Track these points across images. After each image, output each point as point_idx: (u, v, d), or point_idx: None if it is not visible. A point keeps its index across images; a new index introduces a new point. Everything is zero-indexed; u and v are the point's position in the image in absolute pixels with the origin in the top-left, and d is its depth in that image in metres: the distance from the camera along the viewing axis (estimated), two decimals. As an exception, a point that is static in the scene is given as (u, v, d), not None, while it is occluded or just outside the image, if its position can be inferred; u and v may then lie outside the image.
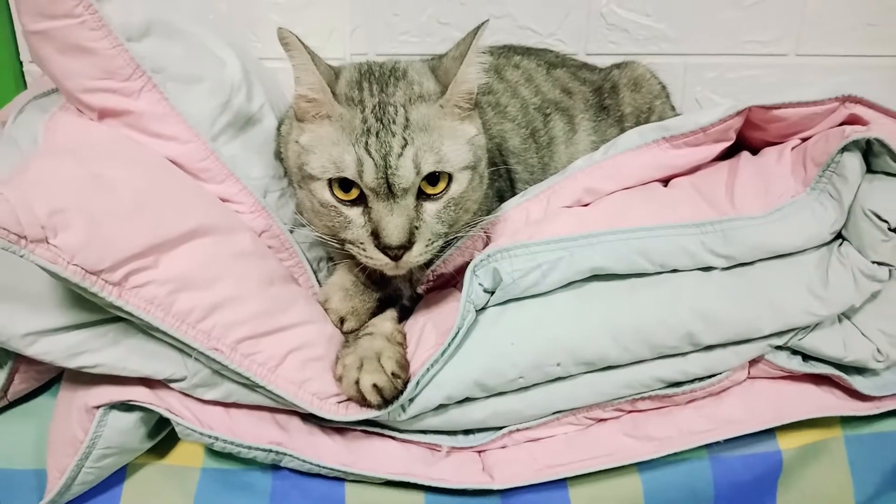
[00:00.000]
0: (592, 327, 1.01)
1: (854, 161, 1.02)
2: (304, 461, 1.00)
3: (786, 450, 1.07)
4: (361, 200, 0.99)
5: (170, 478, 1.02)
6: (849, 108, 1.07)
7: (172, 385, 0.99)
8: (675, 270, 1.04)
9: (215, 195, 1.09)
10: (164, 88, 1.04)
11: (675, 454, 1.04)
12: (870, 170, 1.05)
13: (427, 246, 1.00)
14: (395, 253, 0.97)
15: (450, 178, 1.01)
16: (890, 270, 1.04)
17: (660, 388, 1.06)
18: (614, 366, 1.03)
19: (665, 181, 1.19)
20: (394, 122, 0.97)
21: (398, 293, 1.15)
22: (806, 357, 1.09)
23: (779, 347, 1.07)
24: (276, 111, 1.30)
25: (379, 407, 0.97)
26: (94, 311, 0.93)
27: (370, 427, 1.04)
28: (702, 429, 1.05)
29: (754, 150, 1.19)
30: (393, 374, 0.97)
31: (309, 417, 1.02)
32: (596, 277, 1.04)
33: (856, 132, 1.02)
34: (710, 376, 1.06)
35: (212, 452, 1.02)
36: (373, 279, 1.12)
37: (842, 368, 1.08)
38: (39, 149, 1.02)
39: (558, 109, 1.39)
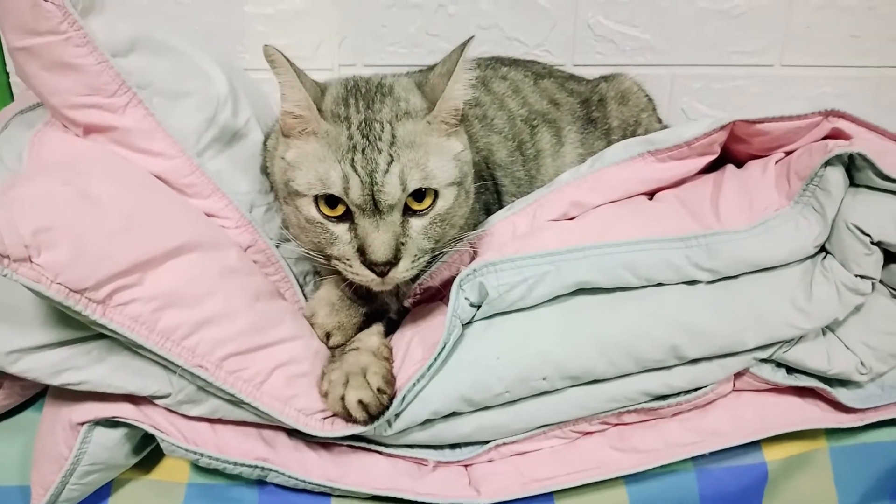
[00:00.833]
0: (578, 341, 1.02)
1: (837, 175, 1.03)
2: (290, 476, 0.99)
3: (771, 461, 1.07)
4: (347, 217, 0.99)
5: (156, 493, 1.01)
6: (832, 123, 1.08)
7: (157, 401, 0.98)
8: (660, 284, 1.04)
9: (201, 210, 1.08)
10: (150, 104, 1.04)
11: (662, 466, 1.04)
12: (853, 183, 1.06)
13: (413, 262, 1.00)
14: (382, 269, 0.97)
15: (436, 194, 1.01)
16: (873, 284, 1.05)
17: (645, 402, 1.06)
18: (600, 380, 1.04)
19: (651, 194, 1.19)
20: (380, 139, 0.98)
21: (385, 307, 1.15)
22: (790, 370, 1.10)
23: (764, 360, 1.07)
24: (263, 125, 1.30)
25: (364, 423, 0.97)
26: (78, 328, 0.93)
27: (356, 442, 1.04)
28: (687, 441, 1.06)
29: (739, 163, 1.19)
30: (379, 389, 0.97)
31: (295, 432, 1.02)
32: (582, 291, 1.04)
33: (839, 147, 1.02)
34: (695, 389, 1.07)
35: (198, 467, 1.01)
36: (359, 294, 1.11)
37: (826, 381, 1.09)
38: (25, 165, 1.01)
39: (546, 121, 1.40)
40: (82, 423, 0.96)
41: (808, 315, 1.03)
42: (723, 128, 1.10)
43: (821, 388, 1.08)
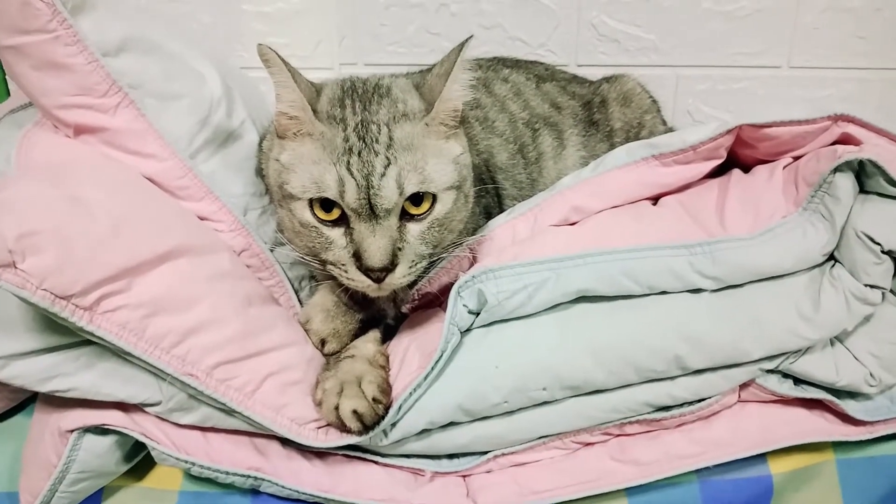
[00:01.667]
0: (578, 350, 0.99)
1: (846, 182, 1.00)
2: (283, 487, 0.98)
3: (777, 474, 1.05)
4: (343, 221, 0.97)
5: (148, 500, 1.01)
6: (841, 127, 1.05)
7: (148, 409, 0.97)
8: (663, 292, 1.02)
9: (194, 213, 1.06)
10: (142, 105, 1.02)
11: (665, 478, 1.02)
12: (863, 190, 1.04)
13: (410, 267, 0.98)
14: (378, 275, 0.95)
15: (434, 198, 0.99)
16: (882, 293, 1.03)
17: (648, 413, 1.04)
18: (601, 390, 1.01)
19: (654, 199, 1.17)
20: (377, 141, 0.95)
21: (382, 313, 1.13)
22: (797, 381, 1.07)
23: (770, 371, 1.05)
24: (259, 126, 1.28)
25: (359, 433, 0.95)
26: (66, 334, 0.91)
27: (351, 451, 1.02)
28: (690, 453, 1.04)
29: (745, 168, 1.17)
30: (374, 399, 0.95)
31: (288, 441, 1.00)
32: (583, 299, 1.02)
33: (848, 152, 1.00)
34: (699, 400, 1.04)
35: (190, 475, 1.00)
36: (355, 299, 1.09)
37: (834, 393, 1.06)
38: (13, 167, 0.99)
39: (547, 124, 1.38)
40: (72, 431, 0.95)
41: (816, 325, 1.00)
42: (729, 132, 1.08)
43: (829, 399, 1.06)
